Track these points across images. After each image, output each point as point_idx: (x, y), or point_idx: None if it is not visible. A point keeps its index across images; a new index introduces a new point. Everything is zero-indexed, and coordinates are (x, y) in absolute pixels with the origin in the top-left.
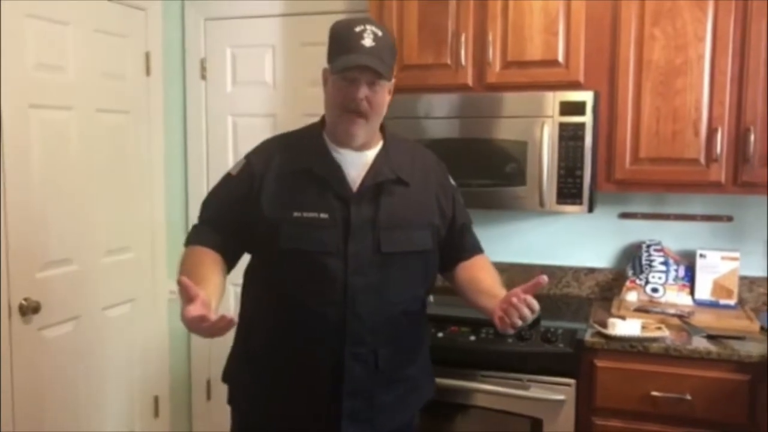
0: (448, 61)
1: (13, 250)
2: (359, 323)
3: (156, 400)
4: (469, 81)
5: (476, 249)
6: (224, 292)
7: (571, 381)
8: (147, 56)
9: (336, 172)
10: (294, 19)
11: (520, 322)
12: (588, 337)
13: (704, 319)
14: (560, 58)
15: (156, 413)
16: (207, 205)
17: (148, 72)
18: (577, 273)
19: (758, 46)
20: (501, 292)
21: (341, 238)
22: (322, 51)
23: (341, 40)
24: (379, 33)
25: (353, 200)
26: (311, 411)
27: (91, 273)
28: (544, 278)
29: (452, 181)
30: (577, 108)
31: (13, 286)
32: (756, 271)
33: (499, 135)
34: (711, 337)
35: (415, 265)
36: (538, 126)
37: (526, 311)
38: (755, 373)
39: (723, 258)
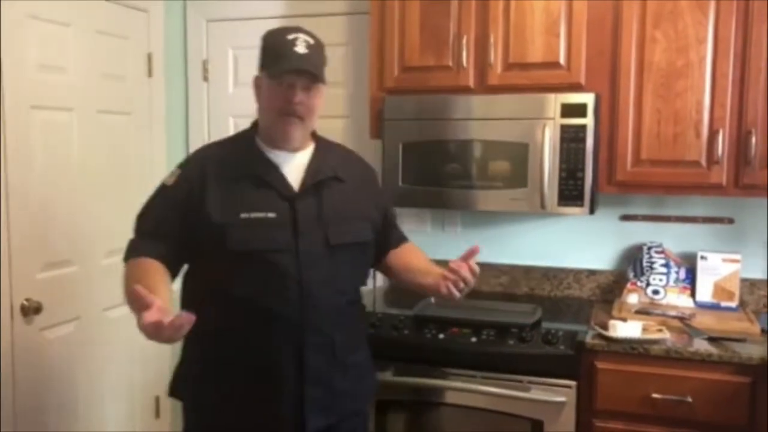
0: (450, 63)
1: (14, 251)
2: (316, 315)
3: (157, 400)
4: (471, 83)
5: (403, 239)
6: (172, 301)
7: (572, 383)
8: (149, 57)
9: (276, 173)
10: (296, 20)
11: (462, 285)
12: (589, 338)
13: (705, 321)
14: (561, 60)
15: (157, 413)
16: (144, 218)
17: (149, 73)
18: (578, 275)
19: (759, 49)
20: (436, 268)
21: (291, 236)
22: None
23: (275, 48)
24: (311, 41)
25: (297, 198)
26: (275, 404)
27: (91, 274)
28: (477, 247)
29: (379, 180)
30: (579, 110)
31: (15, 286)
32: (757, 273)
33: (500, 137)
34: (712, 339)
35: (357, 257)
36: (540, 128)
37: (467, 273)
38: (756, 376)
39: (724, 260)
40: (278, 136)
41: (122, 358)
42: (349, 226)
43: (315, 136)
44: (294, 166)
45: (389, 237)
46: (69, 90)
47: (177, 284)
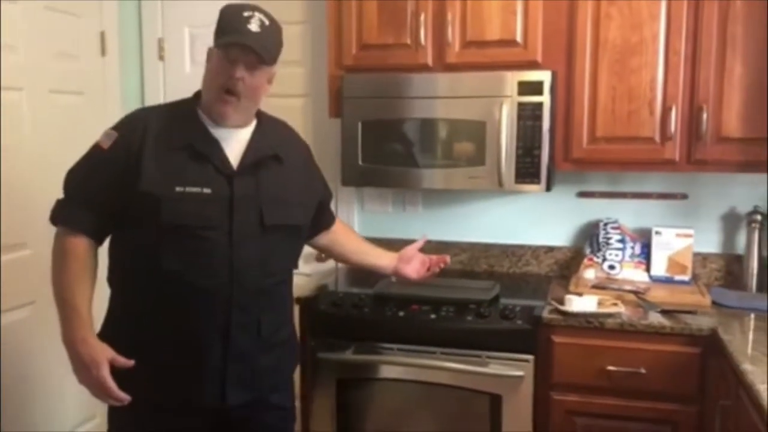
0: (408, 41)
1: None
2: (244, 294)
3: None
4: (429, 61)
5: (333, 219)
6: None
7: (530, 357)
8: (102, 36)
9: (216, 149)
10: None
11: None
12: (546, 313)
13: (659, 294)
14: (518, 37)
15: None
16: (75, 180)
17: (103, 52)
18: (536, 251)
19: (710, 27)
20: (384, 251)
21: (225, 213)
22: (284, 31)
23: (228, 21)
24: (267, 21)
25: (235, 176)
26: (199, 381)
27: (47, 257)
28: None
29: (314, 159)
30: (535, 88)
31: None
32: (709, 247)
33: (458, 115)
34: (665, 312)
35: (290, 239)
36: (497, 106)
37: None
38: (706, 346)
39: (677, 235)
40: (214, 112)
41: None
42: (285, 208)
43: (258, 113)
44: (234, 143)
45: (323, 218)
46: (19, 69)
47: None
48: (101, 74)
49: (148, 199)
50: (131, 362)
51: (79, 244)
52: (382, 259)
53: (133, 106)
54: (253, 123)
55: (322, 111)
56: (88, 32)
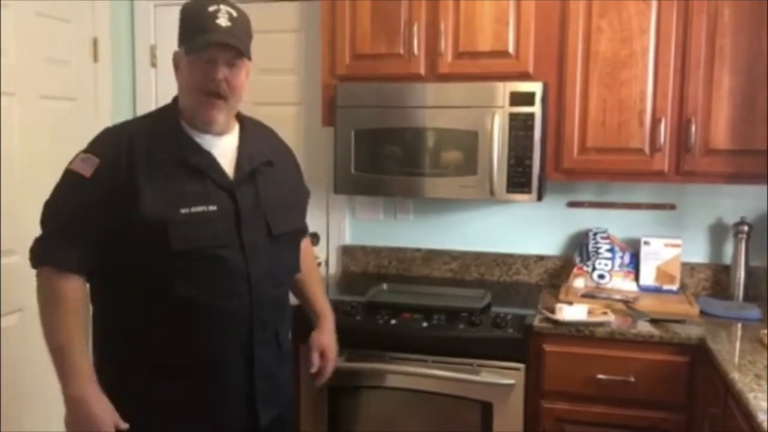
0: (401, 51)
1: None
2: (263, 309)
3: None
4: (422, 71)
5: (307, 228)
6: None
7: (521, 365)
8: (94, 42)
9: (210, 161)
10: (246, 6)
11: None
12: (536, 322)
13: (648, 303)
14: (510, 48)
15: None
16: (57, 213)
17: (95, 58)
18: (527, 260)
19: (698, 40)
20: (320, 302)
21: (233, 228)
22: (274, 38)
23: (195, 21)
24: (234, 13)
25: (236, 187)
26: (226, 406)
27: None
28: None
29: (296, 157)
30: (527, 98)
31: None
32: (697, 257)
33: (450, 125)
34: (654, 321)
35: (294, 244)
36: (489, 116)
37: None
38: (694, 355)
39: (666, 245)
40: (201, 119)
41: None
42: (287, 213)
43: (239, 116)
44: (222, 151)
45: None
46: (9, 74)
47: None
48: (93, 80)
49: (153, 226)
50: (126, 426)
51: (71, 286)
52: (313, 311)
53: (125, 112)
54: (236, 127)
55: (314, 119)
56: (80, 38)
